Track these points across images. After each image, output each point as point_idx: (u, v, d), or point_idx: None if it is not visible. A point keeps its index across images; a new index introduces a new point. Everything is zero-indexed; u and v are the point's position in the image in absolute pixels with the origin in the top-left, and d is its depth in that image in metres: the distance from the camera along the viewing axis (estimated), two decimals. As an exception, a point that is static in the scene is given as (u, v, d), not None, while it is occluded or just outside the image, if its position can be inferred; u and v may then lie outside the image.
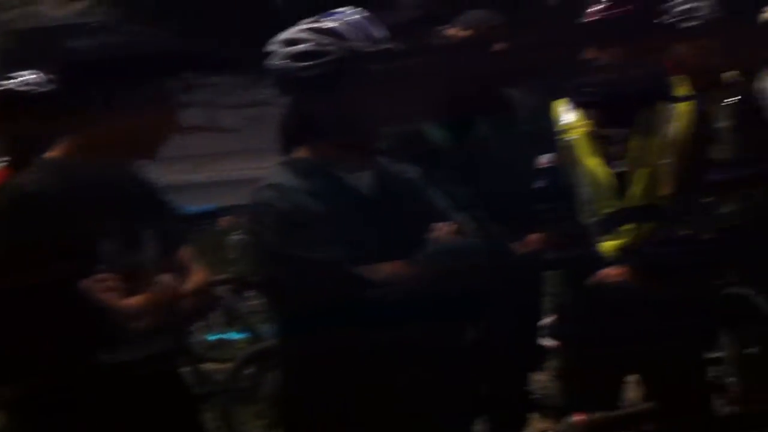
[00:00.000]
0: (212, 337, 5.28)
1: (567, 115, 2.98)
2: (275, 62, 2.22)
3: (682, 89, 2.95)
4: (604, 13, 2.88)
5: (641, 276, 2.83)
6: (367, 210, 2.23)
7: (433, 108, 3.18)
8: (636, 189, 2.84)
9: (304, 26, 2.22)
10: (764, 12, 3.73)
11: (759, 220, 3.55)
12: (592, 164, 2.88)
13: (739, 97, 3.63)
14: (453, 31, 3.21)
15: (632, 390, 3.17)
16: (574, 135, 2.93)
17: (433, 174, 2.49)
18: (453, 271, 2.17)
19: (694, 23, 3.55)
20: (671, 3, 3.60)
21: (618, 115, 2.88)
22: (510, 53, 3.19)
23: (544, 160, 3.02)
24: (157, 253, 2.12)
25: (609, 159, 2.87)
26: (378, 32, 2.21)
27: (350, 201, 2.24)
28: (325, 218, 2.15)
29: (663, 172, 2.84)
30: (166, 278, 2.07)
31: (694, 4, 3.58)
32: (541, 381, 3.72)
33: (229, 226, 6.26)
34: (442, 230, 2.21)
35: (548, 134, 3.02)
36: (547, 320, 3.33)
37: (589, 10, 2.92)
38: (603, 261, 2.88)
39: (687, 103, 2.88)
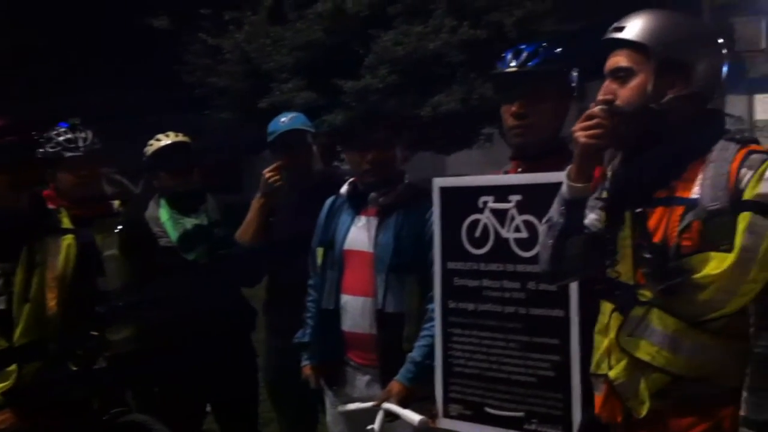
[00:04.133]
0: None
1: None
2: None
3: (65, 220, 2.90)
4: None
5: (29, 419, 2.68)
6: None
7: None
8: (19, 327, 2.69)
9: None
10: (151, 145, 3.85)
11: (150, 344, 3.64)
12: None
13: (126, 225, 3.71)
14: None
15: None
16: None
17: None
18: None
19: (74, 154, 3.55)
20: (53, 132, 3.57)
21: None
22: None
23: None
24: None
25: (-10, 295, 2.69)
26: None
27: None
28: None
29: (48, 307, 2.74)
30: None
31: (75, 135, 3.59)
32: None
33: None
34: None
35: None
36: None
37: None
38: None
39: (70, 235, 2.84)
